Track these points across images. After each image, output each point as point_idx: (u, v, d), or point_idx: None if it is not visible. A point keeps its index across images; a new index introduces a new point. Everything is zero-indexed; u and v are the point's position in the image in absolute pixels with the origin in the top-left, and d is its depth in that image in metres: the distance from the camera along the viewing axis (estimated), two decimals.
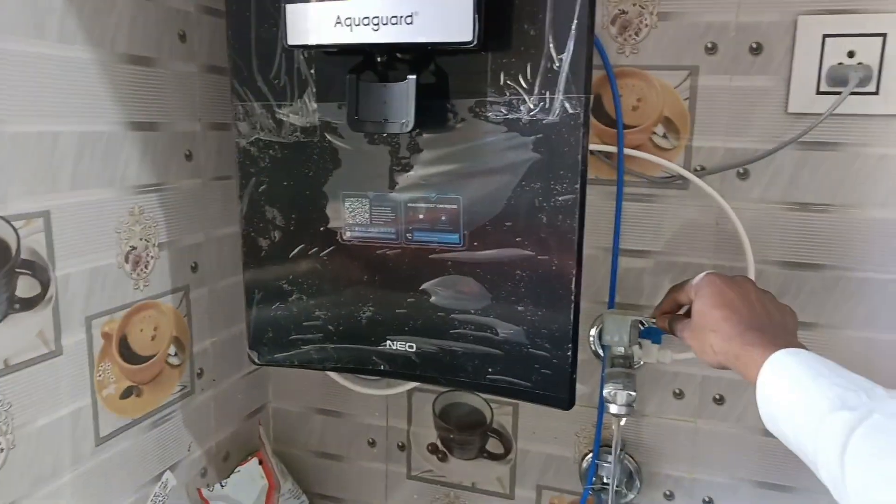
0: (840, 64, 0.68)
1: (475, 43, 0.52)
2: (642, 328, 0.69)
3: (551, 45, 0.54)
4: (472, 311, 0.62)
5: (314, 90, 0.62)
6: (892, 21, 0.66)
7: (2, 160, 0.56)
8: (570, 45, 0.53)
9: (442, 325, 0.64)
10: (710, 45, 0.72)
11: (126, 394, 0.72)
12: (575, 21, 0.53)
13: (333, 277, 0.66)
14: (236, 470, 0.85)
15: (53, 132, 0.61)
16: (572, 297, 0.58)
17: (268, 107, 0.64)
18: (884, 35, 0.67)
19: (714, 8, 0.72)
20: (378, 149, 0.62)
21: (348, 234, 0.65)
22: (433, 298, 0.63)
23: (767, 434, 0.75)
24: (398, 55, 0.57)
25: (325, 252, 0.66)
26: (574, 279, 0.58)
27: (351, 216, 0.64)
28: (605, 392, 0.61)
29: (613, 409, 0.61)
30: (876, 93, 0.68)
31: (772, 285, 0.74)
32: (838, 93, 0.68)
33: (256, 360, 0.71)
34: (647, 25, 0.74)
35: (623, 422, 0.65)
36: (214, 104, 0.81)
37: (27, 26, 0.58)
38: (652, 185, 0.77)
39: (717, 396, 0.79)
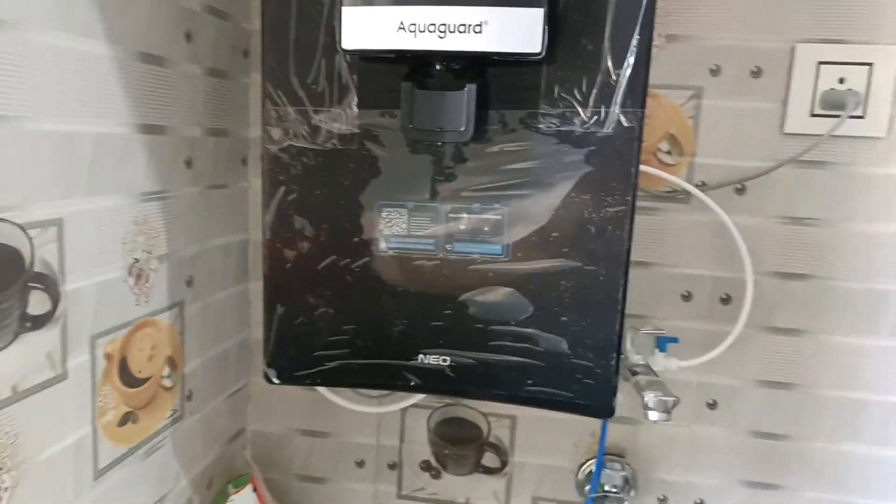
0: (832, 89, 0.74)
1: (543, 55, 0.52)
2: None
3: (609, 61, 0.55)
4: (513, 323, 0.62)
5: (355, 96, 0.60)
6: (879, 52, 0.73)
7: (22, 161, 0.51)
8: (630, 60, 0.55)
9: (480, 338, 0.63)
10: (714, 68, 0.77)
11: (123, 420, 0.66)
12: (635, 38, 0.55)
13: (365, 290, 0.64)
14: (230, 499, 0.79)
15: (72, 132, 0.56)
16: (618, 308, 0.59)
17: (303, 112, 0.61)
18: (871, 64, 0.73)
19: (719, 32, 0.76)
20: (420, 158, 0.61)
21: (384, 244, 0.63)
22: (472, 310, 0.63)
23: (757, 435, 0.79)
24: (454, 64, 0.56)
25: (357, 264, 0.64)
26: (622, 289, 0.59)
27: (388, 226, 0.62)
28: (647, 399, 0.62)
29: (654, 416, 0.62)
30: (863, 116, 0.74)
31: (767, 294, 0.79)
32: (830, 116, 0.74)
33: (274, 379, 0.67)
34: (656, 46, 0.77)
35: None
36: (214, 109, 0.77)
37: (53, 17, 0.52)
38: (655, 198, 0.80)
39: (711, 401, 0.83)
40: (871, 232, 0.76)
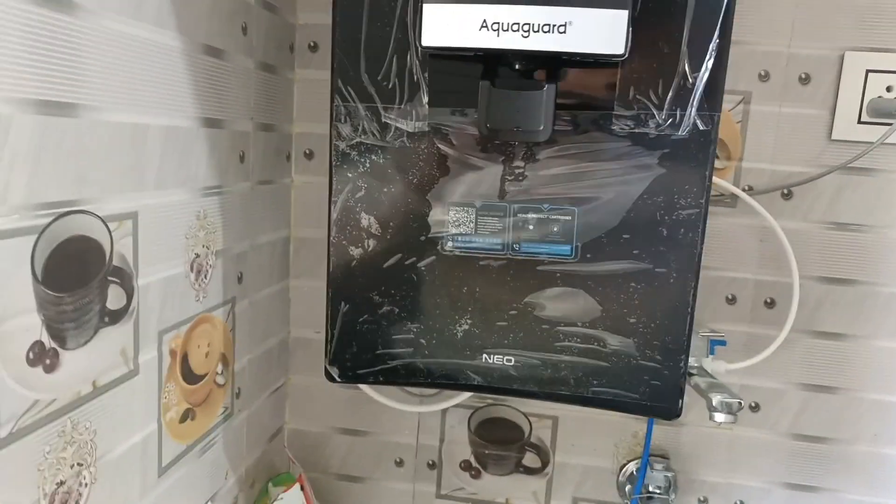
0: (879, 97, 0.75)
1: (626, 56, 0.53)
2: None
3: (686, 63, 0.56)
4: (580, 324, 0.62)
5: (426, 94, 0.60)
6: None
7: (99, 152, 0.50)
8: (709, 63, 0.56)
9: (546, 338, 0.63)
10: (763, 73, 0.78)
11: (184, 417, 0.65)
12: (714, 41, 0.55)
13: (431, 289, 0.64)
14: (279, 497, 0.79)
15: (144, 124, 0.55)
16: (689, 310, 0.60)
17: (373, 109, 0.61)
18: None
19: (769, 38, 0.77)
20: (490, 157, 0.61)
21: (450, 244, 0.63)
22: (538, 311, 0.63)
23: (798, 438, 0.80)
24: (535, 63, 0.56)
25: (423, 262, 0.64)
26: (692, 292, 0.60)
27: (455, 226, 0.63)
28: (714, 402, 0.63)
29: (720, 418, 0.63)
30: None
31: (811, 298, 0.80)
32: (876, 123, 0.75)
33: (337, 377, 0.67)
34: None
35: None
36: (264, 104, 0.77)
37: (128, 4, 0.52)
38: None
39: (754, 404, 0.84)
40: None
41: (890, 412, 0.81)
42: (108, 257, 0.52)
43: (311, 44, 0.85)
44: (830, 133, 0.77)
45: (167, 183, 0.59)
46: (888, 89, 0.75)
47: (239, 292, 0.75)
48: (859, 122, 0.76)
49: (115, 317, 0.53)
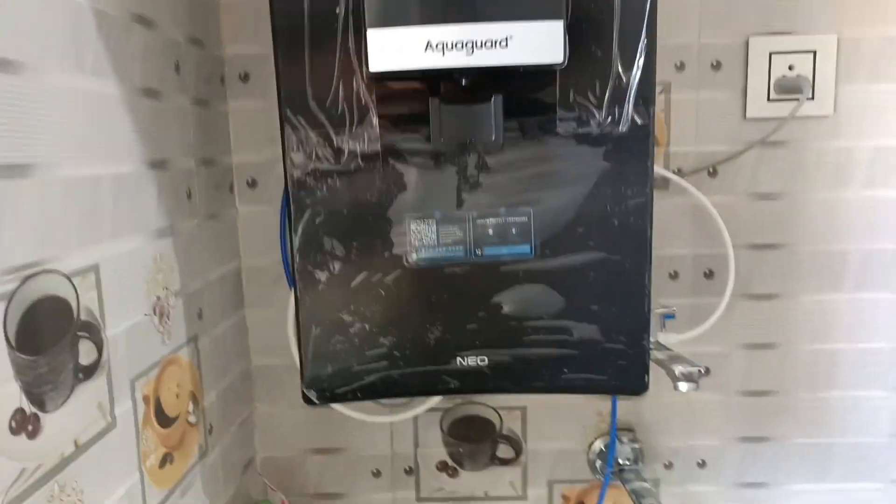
0: (783, 76, 0.82)
1: (565, 64, 0.56)
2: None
3: (619, 65, 0.60)
4: (546, 317, 0.65)
5: (376, 116, 0.62)
6: (820, 40, 0.81)
7: (57, 209, 0.49)
8: (639, 62, 0.60)
9: (515, 335, 0.66)
10: (678, 64, 0.83)
11: (163, 462, 0.64)
12: (642, 41, 0.59)
13: (399, 302, 0.65)
14: None
15: (94, 175, 0.54)
16: (646, 291, 0.64)
17: (325, 135, 0.62)
18: (814, 52, 0.81)
19: (681, 32, 0.82)
20: (445, 169, 0.63)
21: (414, 256, 0.65)
22: (505, 309, 0.66)
23: (747, 395, 0.87)
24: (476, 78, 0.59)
25: (389, 277, 0.65)
26: (647, 274, 0.64)
27: (417, 238, 0.64)
28: (678, 372, 0.67)
29: (685, 386, 0.67)
30: (812, 98, 0.82)
31: (743, 265, 0.86)
32: (784, 100, 0.82)
33: (315, 400, 0.67)
34: None
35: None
36: (203, 138, 0.76)
37: (66, 56, 0.51)
38: None
39: (705, 368, 0.90)
40: (826, 199, 0.85)
41: (822, 359, 0.88)
42: (76, 313, 0.50)
43: (242, 74, 0.84)
44: (745, 113, 0.84)
45: (123, 231, 0.58)
46: (790, 68, 0.82)
47: (200, 329, 0.74)
48: (769, 100, 0.83)
49: (89, 372, 0.52)
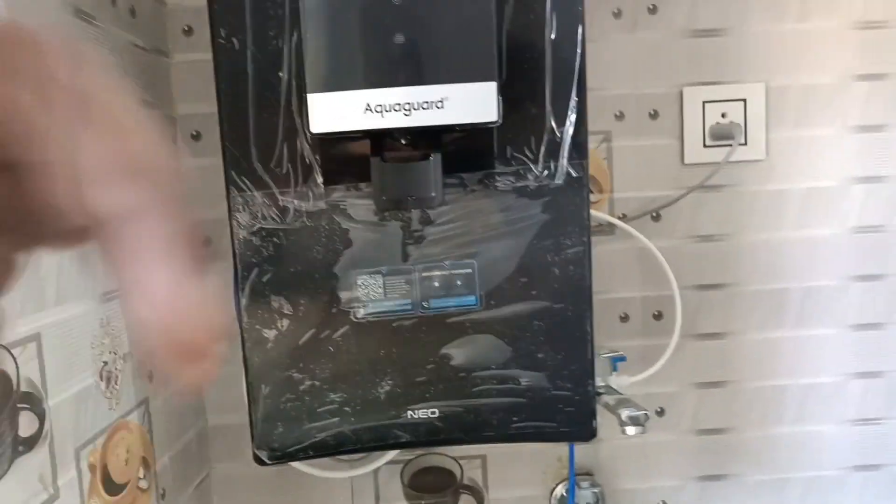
0: (717, 123, 0.86)
1: (499, 122, 0.58)
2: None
3: (552, 121, 0.62)
4: (494, 367, 0.66)
5: (320, 174, 0.63)
6: (749, 89, 0.86)
7: None
8: (571, 118, 0.62)
9: (464, 386, 0.67)
10: (618, 113, 0.87)
11: None
12: (573, 98, 0.62)
13: (348, 358, 0.66)
14: None
15: None
16: (588, 338, 0.66)
17: (270, 195, 0.63)
18: (744, 100, 0.86)
19: (618, 83, 0.86)
20: (390, 225, 0.64)
21: (362, 311, 0.65)
22: (453, 361, 0.66)
23: (701, 433, 0.89)
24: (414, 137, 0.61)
25: (337, 333, 0.66)
26: (589, 321, 0.65)
27: (364, 293, 0.65)
28: (623, 417, 0.68)
29: (631, 430, 0.68)
30: (745, 143, 0.86)
31: (690, 305, 0.89)
32: (719, 146, 0.86)
33: (266, 460, 0.67)
34: None
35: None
36: None
37: None
38: None
39: (659, 409, 0.91)
40: (764, 239, 0.88)
41: (770, 396, 0.90)
42: (15, 385, 0.50)
43: (194, 132, 0.85)
44: (683, 158, 0.87)
45: (67, 297, 0.58)
46: (723, 115, 0.86)
47: (151, 391, 0.73)
48: (704, 146, 0.87)
49: (29, 443, 0.51)
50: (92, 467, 0.60)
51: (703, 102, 0.86)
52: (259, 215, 0.63)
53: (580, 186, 0.63)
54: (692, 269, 0.89)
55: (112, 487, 0.63)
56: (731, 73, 0.86)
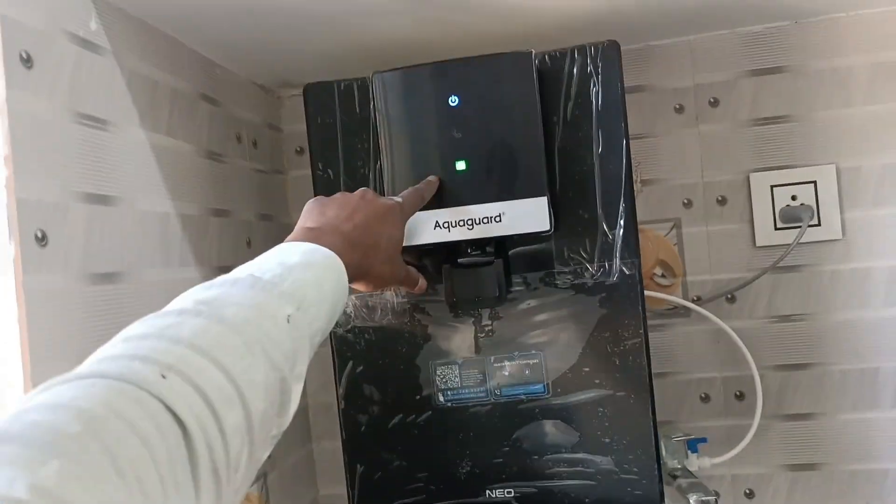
0: (787, 206, 0.88)
1: (552, 231, 0.66)
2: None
3: (604, 224, 0.69)
4: (564, 451, 0.72)
5: None
6: (818, 171, 0.88)
7: (133, 232, 0.64)
8: (621, 222, 0.69)
9: (537, 468, 0.72)
10: (686, 201, 0.91)
11: None
12: (622, 204, 0.69)
13: (432, 440, 0.74)
14: None
15: (166, 212, 0.70)
16: (651, 424, 0.70)
17: (360, 297, 0.74)
18: (814, 182, 0.88)
19: (684, 173, 0.91)
20: (462, 321, 0.73)
21: (441, 398, 0.74)
22: (526, 444, 0.72)
23: None
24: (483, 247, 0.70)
25: (421, 418, 0.74)
26: (650, 407, 0.69)
27: (443, 382, 0.74)
28: (692, 500, 0.71)
29: None
30: (819, 224, 0.88)
31: (772, 386, 0.89)
32: (791, 227, 0.88)
33: None
34: (636, 191, 0.92)
35: None
36: (264, 197, 0.92)
37: (145, 118, 0.68)
38: (660, 316, 0.92)
39: (748, 490, 0.91)
40: (849, 318, 0.88)
41: (870, 478, 0.87)
42: None
43: (298, 148, 0.99)
44: (755, 241, 0.90)
45: (187, 261, 0.71)
46: (793, 198, 0.88)
47: (269, 465, 0.85)
48: (776, 228, 0.89)
49: None
50: None
51: (772, 186, 0.89)
52: (351, 315, 0.74)
53: (634, 283, 0.69)
54: (773, 350, 0.90)
55: None
56: (799, 156, 0.88)
